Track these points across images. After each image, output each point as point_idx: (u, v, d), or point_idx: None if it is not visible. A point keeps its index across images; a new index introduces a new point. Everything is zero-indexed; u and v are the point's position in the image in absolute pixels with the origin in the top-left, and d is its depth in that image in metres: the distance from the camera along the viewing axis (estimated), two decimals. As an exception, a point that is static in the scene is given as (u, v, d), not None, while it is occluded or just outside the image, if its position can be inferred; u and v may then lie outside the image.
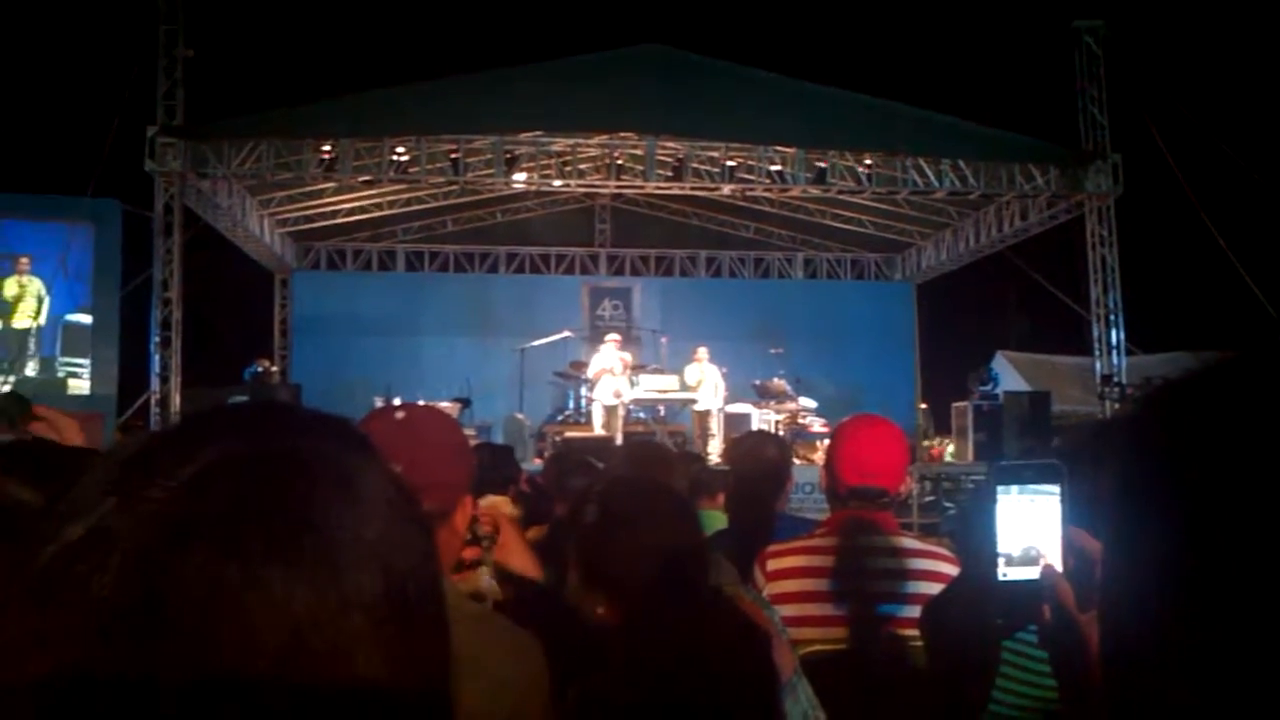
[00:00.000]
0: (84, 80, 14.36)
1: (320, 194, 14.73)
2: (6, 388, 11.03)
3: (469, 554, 1.85)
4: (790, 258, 17.81)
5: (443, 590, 0.54)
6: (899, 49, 17.61)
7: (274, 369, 14.14)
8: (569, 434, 11.76)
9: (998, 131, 12.59)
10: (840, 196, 14.08)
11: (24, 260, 11.55)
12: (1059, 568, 0.96)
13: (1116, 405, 12.08)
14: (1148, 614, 0.52)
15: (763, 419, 12.23)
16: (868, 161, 12.77)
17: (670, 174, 13.24)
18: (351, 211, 15.69)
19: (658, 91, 11.68)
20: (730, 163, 12.93)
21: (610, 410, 11.98)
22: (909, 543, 2.55)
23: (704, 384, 12.43)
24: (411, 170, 12.54)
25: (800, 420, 12.38)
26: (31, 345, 11.51)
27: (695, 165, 13.24)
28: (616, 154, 13.10)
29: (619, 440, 10.85)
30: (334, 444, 0.53)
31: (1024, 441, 11.11)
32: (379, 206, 15.59)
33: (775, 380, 12.73)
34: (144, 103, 11.54)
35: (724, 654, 1.61)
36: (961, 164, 12.94)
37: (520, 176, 13.03)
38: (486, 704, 1.32)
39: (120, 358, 11.65)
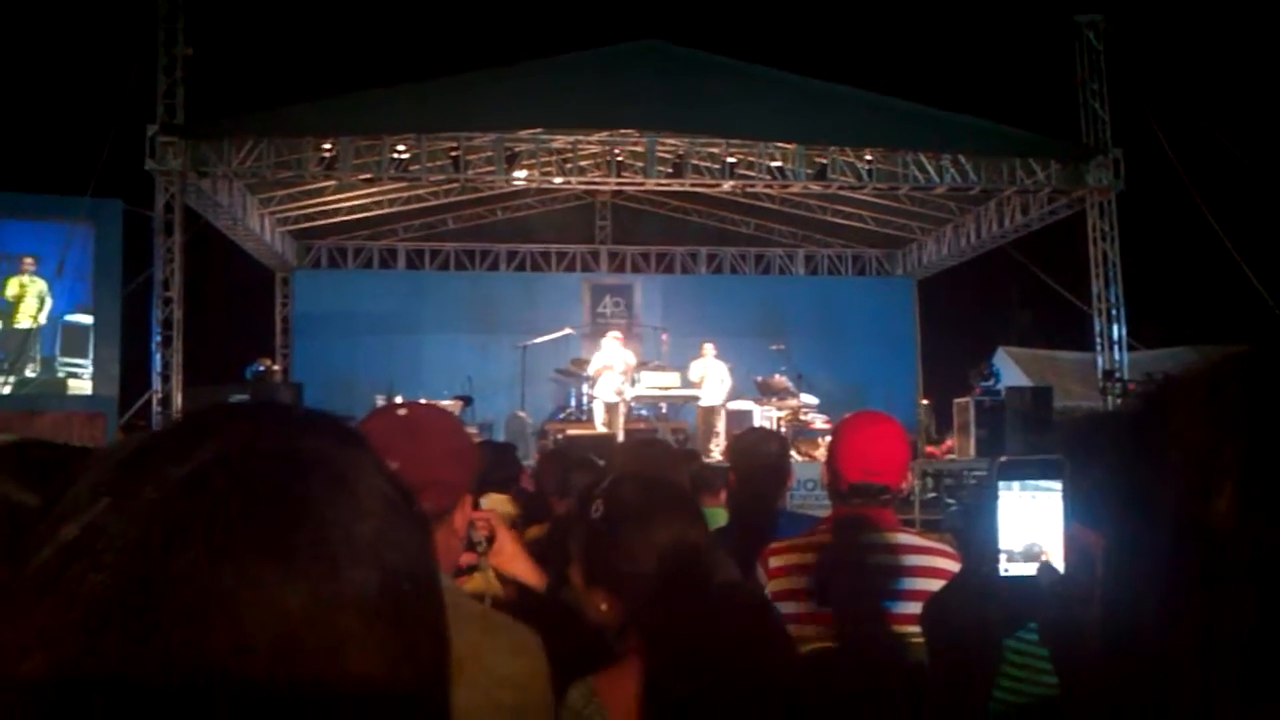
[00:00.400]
0: (84, 79, 14.36)
1: (321, 192, 14.74)
2: (7, 389, 11.05)
3: (465, 559, 1.84)
4: (791, 254, 17.81)
5: (440, 588, 0.54)
6: (899, 44, 17.63)
7: (275, 368, 14.14)
8: (570, 432, 11.76)
9: (998, 126, 12.60)
10: (841, 192, 14.07)
11: (29, 260, 11.55)
12: (1060, 564, 0.96)
13: (1118, 400, 12.07)
14: (1147, 609, 0.52)
15: (764, 415, 12.24)
16: (868, 157, 12.77)
17: (671, 170, 13.23)
18: (352, 210, 15.70)
19: (658, 88, 11.69)
20: (731, 159, 12.94)
21: (611, 408, 11.98)
22: (910, 539, 2.55)
23: (709, 380, 12.43)
24: (412, 168, 12.55)
25: (802, 417, 12.39)
26: (32, 345, 11.52)
27: (696, 162, 13.23)
28: (617, 151, 13.10)
29: (620, 437, 10.85)
30: (329, 442, 0.53)
31: (1027, 437, 11.10)
32: (379, 204, 15.60)
33: (776, 377, 12.73)
34: (144, 101, 11.55)
35: (738, 647, 1.60)
36: (962, 159, 12.93)
37: (520, 174, 13.02)
38: (487, 701, 1.31)
39: (121, 357, 11.67)
